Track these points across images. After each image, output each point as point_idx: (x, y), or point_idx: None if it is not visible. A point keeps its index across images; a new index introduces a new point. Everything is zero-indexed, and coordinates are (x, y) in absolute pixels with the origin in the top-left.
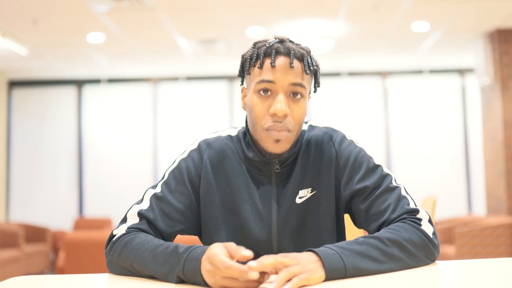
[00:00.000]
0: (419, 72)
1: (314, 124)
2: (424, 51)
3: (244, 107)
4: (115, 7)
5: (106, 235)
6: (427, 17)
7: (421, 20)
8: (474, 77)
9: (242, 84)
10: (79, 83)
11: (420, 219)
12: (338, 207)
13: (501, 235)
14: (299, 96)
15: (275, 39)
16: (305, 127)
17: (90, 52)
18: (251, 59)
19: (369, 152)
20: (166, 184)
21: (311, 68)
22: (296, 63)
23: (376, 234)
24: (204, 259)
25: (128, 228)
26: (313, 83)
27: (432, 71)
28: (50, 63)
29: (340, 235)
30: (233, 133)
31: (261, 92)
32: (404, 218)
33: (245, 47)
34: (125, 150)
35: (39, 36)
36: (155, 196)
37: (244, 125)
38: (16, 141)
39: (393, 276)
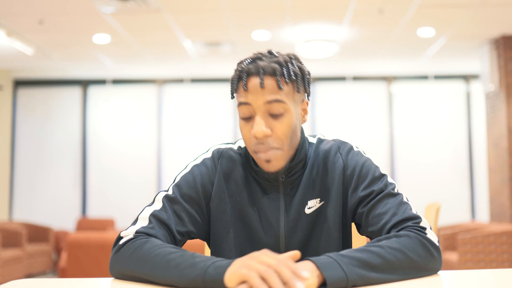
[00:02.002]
0: (424, 77)
1: (322, 137)
2: (429, 57)
3: None
4: (121, 8)
5: (109, 236)
6: (433, 23)
7: (426, 25)
8: (479, 83)
9: None
10: (84, 84)
11: (424, 228)
12: (346, 216)
13: (504, 243)
14: (278, 112)
15: (252, 57)
16: (313, 140)
17: (96, 53)
18: (232, 83)
19: (376, 162)
20: (177, 186)
21: (288, 79)
22: (267, 80)
23: (378, 242)
24: (237, 260)
25: (136, 232)
26: (301, 88)
27: (437, 77)
28: (55, 63)
29: (346, 245)
30: (243, 144)
31: (243, 116)
32: (408, 226)
33: (251, 50)
34: (129, 151)
35: (45, 36)
36: (167, 197)
37: None
38: (21, 141)
39: (395, 286)
